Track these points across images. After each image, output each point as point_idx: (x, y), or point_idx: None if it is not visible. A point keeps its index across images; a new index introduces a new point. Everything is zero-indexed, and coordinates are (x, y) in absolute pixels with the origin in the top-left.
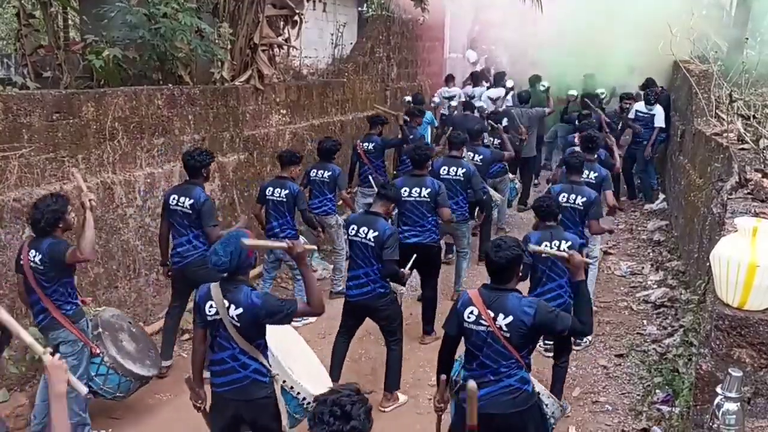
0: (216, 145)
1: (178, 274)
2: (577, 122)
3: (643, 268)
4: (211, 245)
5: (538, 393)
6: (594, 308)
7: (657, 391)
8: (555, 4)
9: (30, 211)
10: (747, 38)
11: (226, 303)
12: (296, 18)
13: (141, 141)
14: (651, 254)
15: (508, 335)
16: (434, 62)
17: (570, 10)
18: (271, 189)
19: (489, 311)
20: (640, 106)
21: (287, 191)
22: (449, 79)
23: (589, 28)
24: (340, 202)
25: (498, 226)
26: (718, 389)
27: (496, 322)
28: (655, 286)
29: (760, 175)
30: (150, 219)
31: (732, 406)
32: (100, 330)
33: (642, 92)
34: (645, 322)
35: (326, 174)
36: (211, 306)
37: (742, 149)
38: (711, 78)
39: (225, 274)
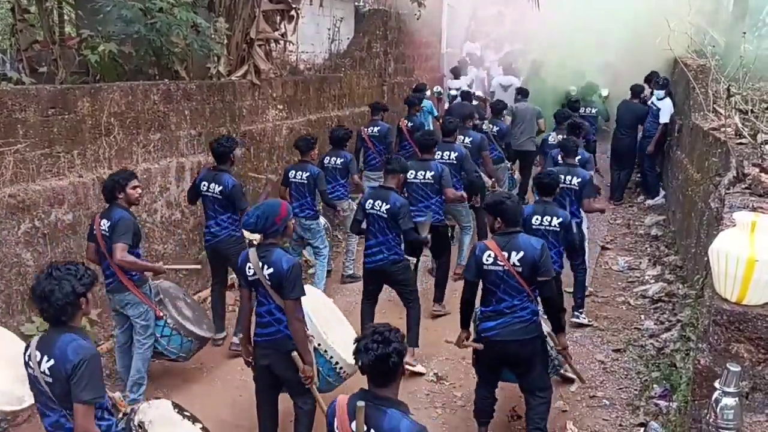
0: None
1: (211, 252)
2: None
3: (640, 263)
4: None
5: (546, 334)
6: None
7: (654, 385)
8: (553, 1)
9: (102, 185)
10: (745, 33)
11: (261, 264)
12: (293, 13)
13: (137, 136)
14: (648, 249)
15: (520, 269)
16: (431, 57)
17: (567, 5)
18: (293, 172)
19: (503, 252)
20: (653, 97)
21: (308, 173)
22: (455, 72)
23: (587, 23)
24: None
25: None
26: (717, 384)
27: (510, 260)
28: (653, 280)
29: (757, 170)
30: (146, 215)
31: (730, 401)
32: (161, 296)
33: (648, 84)
34: (642, 317)
35: (339, 161)
36: (249, 267)
37: (740, 144)
38: (709, 72)
39: (261, 238)
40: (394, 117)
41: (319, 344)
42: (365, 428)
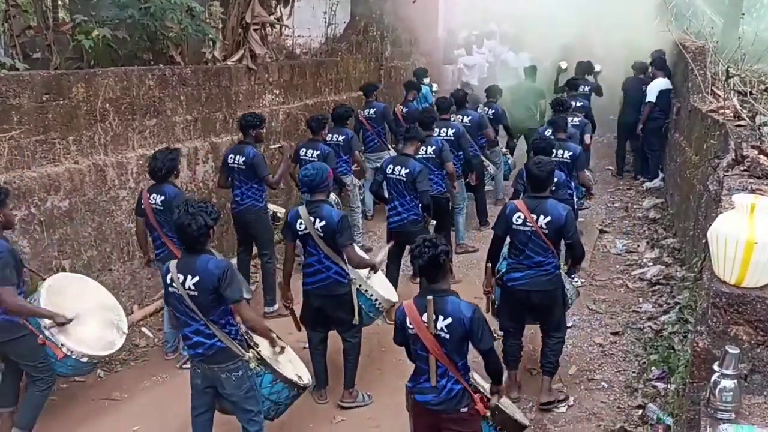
0: (209, 125)
1: (236, 219)
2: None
3: (638, 246)
4: (268, 188)
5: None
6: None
7: (652, 368)
8: None
9: (149, 162)
10: (743, 13)
11: (312, 219)
12: None
13: (132, 122)
14: (646, 232)
15: (546, 231)
16: (428, 41)
17: None
18: (304, 150)
19: (532, 215)
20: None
21: (318, 152)
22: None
23: (584, 5)
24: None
25: (497, 198)
26: (715, 366)
27: (538, 223)
28: (651, 263)
29: (756, 152)
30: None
31: (729, 384)
32: None
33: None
34: (640, 299)
35: (341, 138)
36: (300, 222)
37: (739, 126)
38: (707, 54)
39: (309, 197)
40: (391, 102)
41: (360, 285)
42: (434, 316)
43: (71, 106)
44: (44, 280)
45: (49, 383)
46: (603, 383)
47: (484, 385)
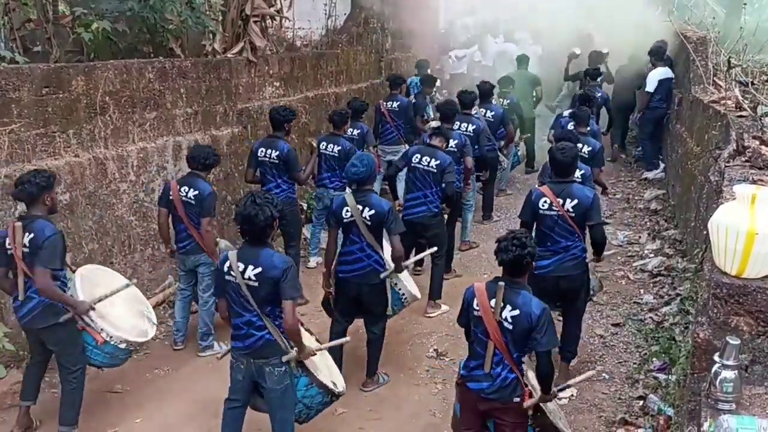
0: (209, 118)
1: None
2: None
3: (640, 237)
4: (297, 185)
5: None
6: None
7: (653, 359)
8: None
9: (191, 151)
10: (745, 4)
11: (359, 207)
12: None
13: (133, 115)
14: (648, 223)
15: (573, 215)
16: (429, 33)
17: None
18: (325, 144)
19: (558, 199)
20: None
21: (340, 147)
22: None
23: None
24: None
25: (499, 188)
26: (716, 357)
27: (564, 206)
28: (652, 255)
29: (757, 143)
30: (144, 194)
31: (729, 374)
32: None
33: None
34: (642, 291)
35: (356, 132)
36: (347, 210)
37: (740, 116)
38: (709, 45)
39: (355, 186)
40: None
41: (390, 278)
42: (502, 304)
43: (71, 99)
44: (74, 270)
45: (81, 378)
46: (604, 374)
47: (533, 382)
